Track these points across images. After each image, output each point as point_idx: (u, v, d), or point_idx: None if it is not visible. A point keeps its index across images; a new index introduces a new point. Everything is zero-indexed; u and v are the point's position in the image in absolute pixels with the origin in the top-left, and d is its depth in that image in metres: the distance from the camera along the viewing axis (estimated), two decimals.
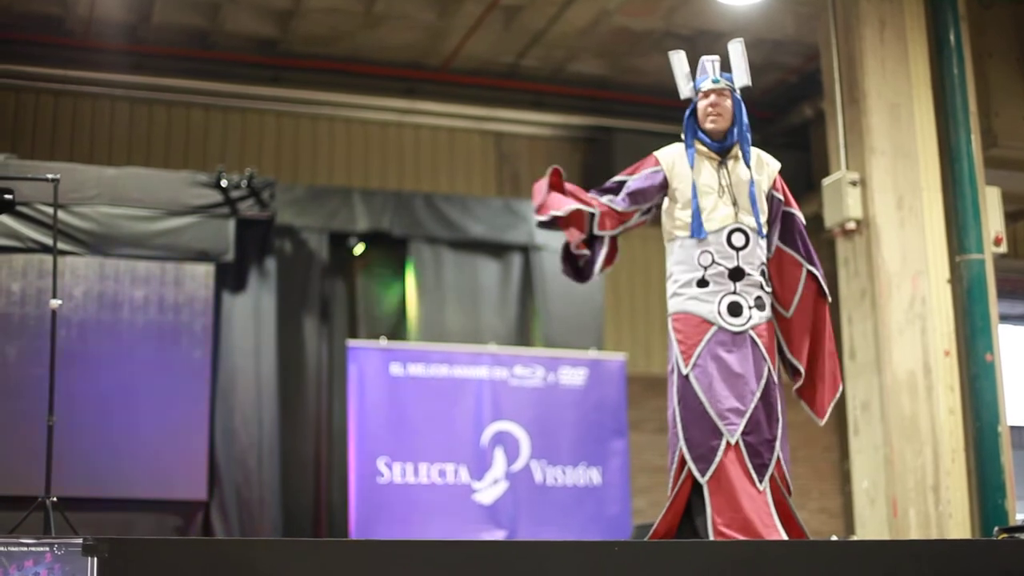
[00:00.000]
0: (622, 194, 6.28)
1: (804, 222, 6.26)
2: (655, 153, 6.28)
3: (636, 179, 6.27)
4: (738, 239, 6.07)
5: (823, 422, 6.21)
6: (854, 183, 9.98)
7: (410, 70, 13.57)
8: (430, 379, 11.71)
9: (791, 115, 14.24)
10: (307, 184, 12.85)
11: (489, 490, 11.64)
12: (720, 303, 6.02)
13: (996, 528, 7.58)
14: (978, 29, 10.40)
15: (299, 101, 13.35)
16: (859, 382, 9.94)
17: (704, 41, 12.85)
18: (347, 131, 13.63)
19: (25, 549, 4.23)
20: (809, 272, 6.17)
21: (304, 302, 12.12)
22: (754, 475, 5.86)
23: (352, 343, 11.76)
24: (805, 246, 6.21)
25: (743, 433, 5.90)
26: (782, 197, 6.23)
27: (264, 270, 11.64)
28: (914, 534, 9.25)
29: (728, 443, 5.88)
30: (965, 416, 9.49)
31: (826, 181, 10.28)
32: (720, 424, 5.90)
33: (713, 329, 6.00)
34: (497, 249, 12.84)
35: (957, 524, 9.16)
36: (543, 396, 12.02)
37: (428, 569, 4.64)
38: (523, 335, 12.81)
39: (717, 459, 5.88)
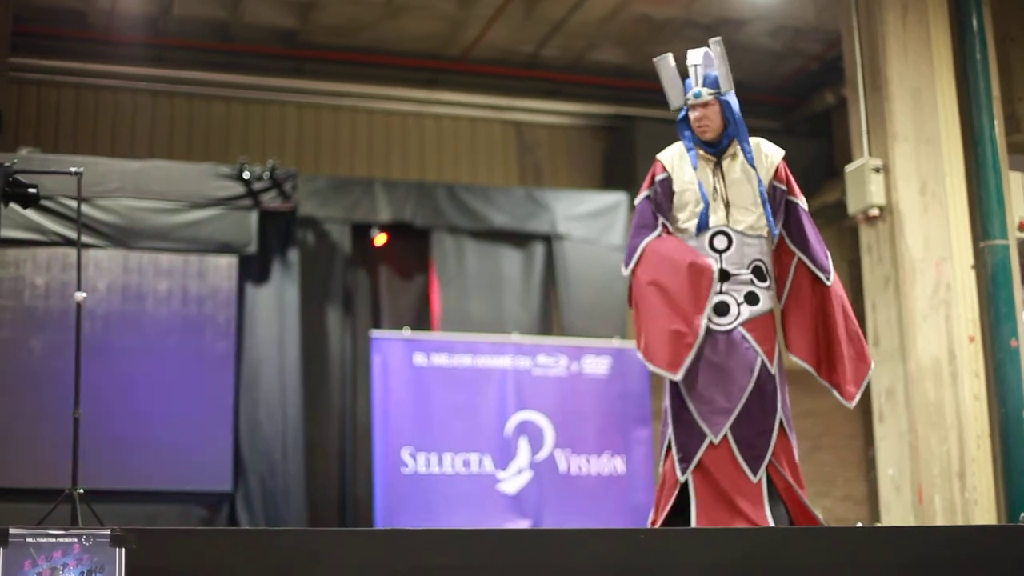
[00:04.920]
0: (661, 221, 6.27)
1: (806, 208, 6.22)
2: (659, 157, 6.30)
3: (660, 195, 6.25)
4: (720, 242, 6.13)
5: (852, 405, 6.16)
6: (877, 170, 9.95)
7: (430, 60, 13.57)
8: (454, 369, 11.71)
9: (813, 102, 14.19)
10: (329, 175, 12.86)
11: (513, 480, 11.64)
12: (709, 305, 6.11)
13: (1022, 514, 7.57)
14: (1001, 13, 10.35)
15: (320, 92, 13.36)
16: (884, 369, 9.92)
17: (726, 29, 12.82)
18: (368, 122, 13.64)
19: (54, 540, 4.26)
20: (800, 260, 6.16)
21: (327, 293, 12.14)
22: (746, 468, 5.96)
23: (375, 333, 11.77)
24: (800, 233, 6.16)
25: (732, 428, 5.99)
26: (785, 187, 6.21)
27: (287, 261, 11.65)
28: (940, 520, 9.23)
29: (712, 443, 5.99)
30: (990, 402, 9.46)
31: (849, 168, 10.26)
32: (704, 426, 6.03)
33: (702, 332, 6.09)
34: (519, 239, 12.83)
35: (983, 510, 9.14)
36: (567, 385, 12.02)
37: (453, 558, 4.65)
38: (546, 324, 12.80)
39: (697, 458, 6.01)
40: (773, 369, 6.06)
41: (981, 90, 9.80)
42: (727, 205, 6.13)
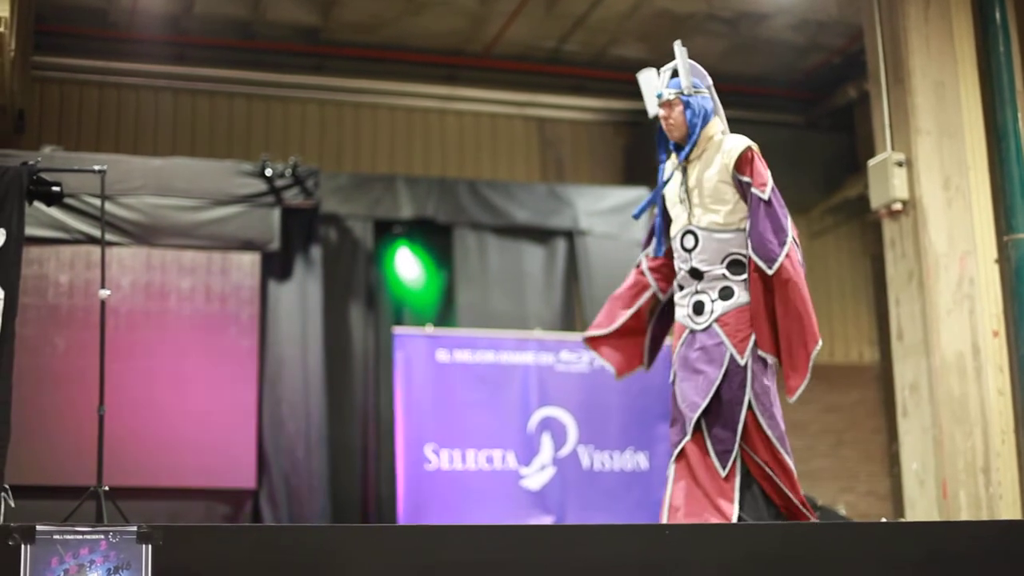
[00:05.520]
0: (654, 242, 6.70)
1: (764, 197, 6.16)
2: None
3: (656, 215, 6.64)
4: (688, 241, 6.33)
5: (790, 400, 6.14)
6: (900, 164, 9.92)
7: (452, 56, 13.58)
8: (476, 365, 11.71)
9: (835, 96, 14.16)
10: (351, 172, 12.88)
11: (537, 476, 11.64)
12: (689, 305, 6.32)
13: None
14: None
15: (342, 89, 13.38)
16: (907, 363, 9.90)
17: (748, 23, 12.81)
18: (390, 118, 13.66)
19: (80, 537, 4.28)
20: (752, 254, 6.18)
21: (350, 290, 12.15)
22: (716, 461, 6.07)
23: (398, 330, 11.78)
24: (752, 224, 6.16)
25: (706, 423, 6.13)
26: (749, 179, 6.23)
27: (309, 258, 11.66)
28: (964, 516, 9.21)
29: (689, 437, 6.15)
30: (1015, 397, 9.43)
31: (872, 162, 10.23)
32: (685, 422, 6.19)
33: (685, 333, 6.32)
34: (541, 235, 12.83)
35: (1008, 505, 9.11)
36: (589, 381, 12.00)
37: (476, 554, 4.66)
38: (568, 320, 12.80)
39: (678, 450, 6.20)
40: (743, 360, 6.12)
41: (1004, 83, 9.75)
42: (690, 206, 6.30)
